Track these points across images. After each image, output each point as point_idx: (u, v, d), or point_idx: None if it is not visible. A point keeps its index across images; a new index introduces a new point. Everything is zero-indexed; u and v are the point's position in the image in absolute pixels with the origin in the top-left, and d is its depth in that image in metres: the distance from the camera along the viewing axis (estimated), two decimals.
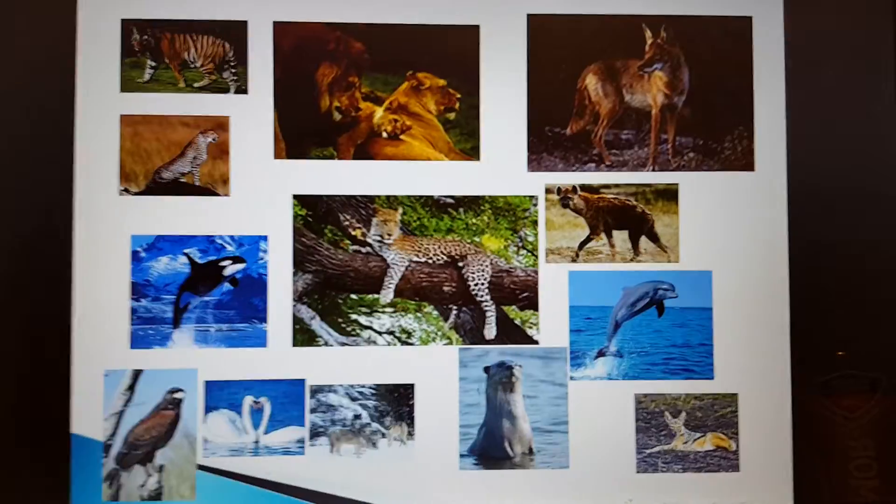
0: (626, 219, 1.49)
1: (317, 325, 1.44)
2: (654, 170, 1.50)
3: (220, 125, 1.46)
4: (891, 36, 1.53)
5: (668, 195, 1.50)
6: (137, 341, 1.43)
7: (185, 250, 1.45)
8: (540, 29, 1.50)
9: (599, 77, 1.52)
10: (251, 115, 1.47)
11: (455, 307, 1.47)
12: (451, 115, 1.49)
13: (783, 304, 1.48)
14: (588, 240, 1.49)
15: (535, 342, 1.47)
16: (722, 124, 1.52)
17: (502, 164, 1.49)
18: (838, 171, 1.51)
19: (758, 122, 1.52)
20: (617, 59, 1.52)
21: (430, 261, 1.47)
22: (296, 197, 1.46)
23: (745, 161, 1.51)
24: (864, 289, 1.50)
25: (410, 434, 1.44)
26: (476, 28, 1.49)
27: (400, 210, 1.47)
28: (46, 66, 1.45)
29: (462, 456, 1.45)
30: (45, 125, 1.44)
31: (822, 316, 1.48)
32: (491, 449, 1.45)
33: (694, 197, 1.50)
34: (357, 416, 1.44)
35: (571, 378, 1.47)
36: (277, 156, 1.46)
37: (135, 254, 1.44)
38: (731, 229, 1.49)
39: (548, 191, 1.48)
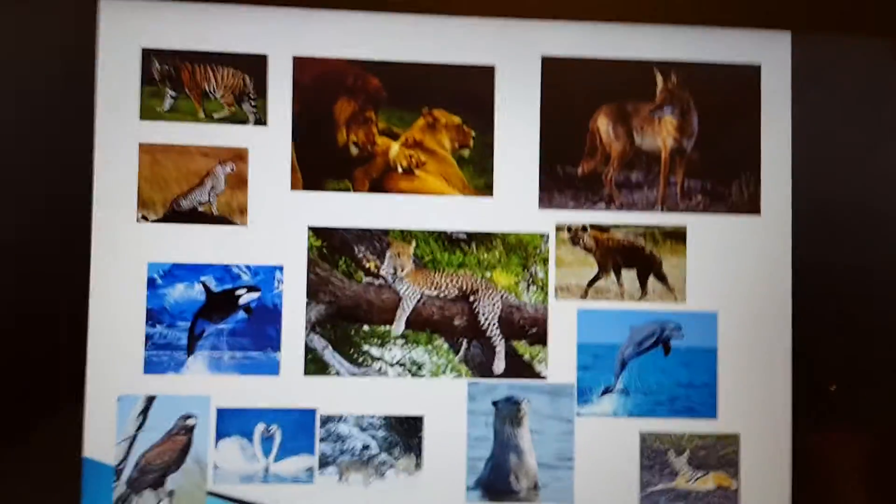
0: (635, 258, 1.56)
1: (329, 354, 1.50)
2: (662, 211, 1.57)
3: (238, 156, 1.52)
4: (895, 82, 1.60)
5: (676, 236, 1.57)
6: (151, 367, 1.48)
7: (202, 278, 1.50)
8: (554, 71, 1.57)
9: (611, 119, 1.59)
10: (269, 146, 1.53)
11: (465, 341, 1.53)
12: (466, 153, 1.56)
13: (786, 346, 1.55)
14: (597, 278, 1.55)
15: (543, 378, 1.53)
16: (729, 169, 1.59)
17: (514, 201, 1.55)
18: (843, 215, 1.58)
19: (764, 167, 1.59)
20: (628, 102, 1.60)
21: (442, 294, 1.53)
22: (311, 228, 1.52)
23: (751, 205, 1.58)
24: (867, 328, 1.57)
25: (418, 465, 1.50)
26: (491, 68, 1.56)
27: (413, 244, 1.53)
28: (66, 93, 1.50)
29: (469, 488, 1.51)
30: (65, 152, 1.49)
31: (825, 356, 1.55)
32: (497, 482, 1.50)
33: (701, 239, 1.57)
34: (366, 447, 1.49)
35: (578, 414, 1.53)
36: (294, 187, 1.52)
37: (151, 280, 1.49)
38: (737, 271, 1.56)
39: (558, 229, 1.55)
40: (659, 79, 1.60)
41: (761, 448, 1.55)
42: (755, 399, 1.55)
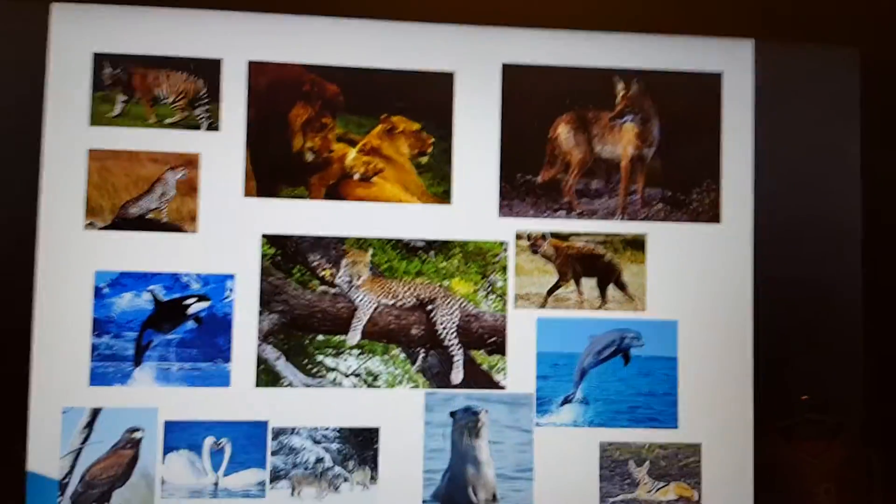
0: (595, 267, 1.62)
1: (282, 365, 1.54)
2: (623, 219, 1.64)
3: (189, 162, 1.56)
4: (856, 92, 1.68)
5: (636, 245, 1.63)
6: (97, 378, 1.51)
7: (150, 287, 1.53)
8: (514, 78, 1.63)
9: (571, 127, 1.65)
10: (222, 152, 1.57)
11: (423, 350, 1.58)
12: (424, 159, 1.61)
13: (747, 354, 1.61)
14: (557, 286, 1.61)
15: (502, 388, 1.58)
16: (690, 177, 1.66)
17: (474, 208, 1.60)
18: (803, 224, 1.65)
19: (725, 176, 1.66)
20: (589, 110, 1.66)
21: (399, 303, 1.58)
22: (265, 236, 1.56)
23: (712, 213, 1.65)
24: (827, 338, 1.63)
25: (374, 478, 1.54)
26: (451, 75, 1.62)
27: (370, 252, 1.58)
28: (15, 97, 1.53)
29: (425, 501, 1.54)
30: (12, 156, 1.51)
31: (785, 365, 1.61)
32: (455, 495, 1.54)
33: (661, 247, 1.63)
34: (320, 460, 1.53)
35: (537, 424, 1.58)
36: (248, 193, 1.56)
37: (98, 289, 1.52)
38: (698, 280, 1.63)
39: (518, 237, 1.61)
40: (619, 86, 1.66)
41: (724, 457, 1.60)
42: (717, 408, 1.61)
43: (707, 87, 1.67)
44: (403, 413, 1.55)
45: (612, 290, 1.60)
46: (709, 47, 1.68)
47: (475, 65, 1.63)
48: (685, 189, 1.64)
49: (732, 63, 1.68)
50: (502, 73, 1.63)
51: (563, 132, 1.64)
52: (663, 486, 1.57)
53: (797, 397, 1.59)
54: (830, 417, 1.60)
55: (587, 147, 1.64)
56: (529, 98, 1.64)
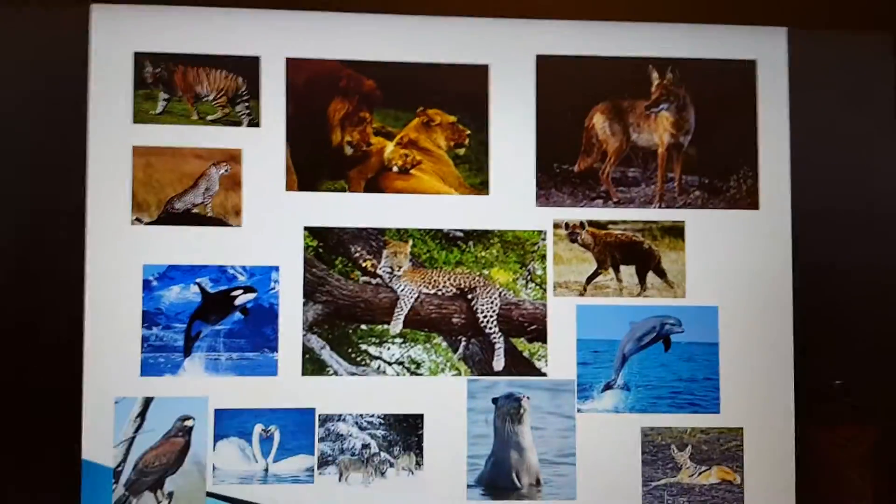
0: (633, 254, 1.68)
1: (327, 354, 1.61)
2: (660, 207, 1.69)
3: (232, 157, 1.63)
4: (891, 75, 1.72)
5: (675, 232, 1.69)
6: (148, 369, 1.58)
7: (197, 280, 1.61)
8: (548, 69, 1.69)
9: (607, 116, 1.71)
10: (263, 148, 1.64)
11: (464, 338, 1.64)
12: (461, 151, 1.67)
13: (787, 339, 1.65)
14: (596, 274, 1.67)
15: (544, 374, 1.64)
16: (727, 164, 1.70)
17: (511, 199, 1.66)
18: (841, 209, 1.68)
19: (762, 162, 1.70)
20: (624, 99, 1.71)
21: (440, 292, 1.65)
22: (307, 228, 1.63)
23: (749, 200, 1.69)
24: (867, 321, 1.67)
25: (419, 464, 1.60)
26: (486, 67, 1.68)
27: (410, 242, 1.65)
28: (59, 98, 1.60)
29: (469, 486, 1.60)
30: (59, 155, 1.59)
31: (825, 350, 1.65)
32: (498, 480, 1.60)
33: (700, 234, 1.68)
34: (366, 446, 1.60)
35: (579, 410, 1.63)
36: (289, 188, 1.63)
37: (146, 283, 1.60)
38: (737, 266, 1.67)
39: (556, 226, 1.67)
40: (654, 75, 1.72)
41: (765, 442, 1.64)
42: (758, 393, 1.65)
43: (741, 75, 1.72)
44: (446, 400, 1.61)
45: (651, 277, 1.66)
46: (742, 35, 1.72)
47: (509, 57, 1.68)
48: (722, 176, 1.69)
49: (766, 51, 1.72)
50: (536, 64, 1.67)
51: (599, 121, 1.69)
52: (706, 470, 1.62)
53: (840, 383, 1.63)
54: (867, 403, 1.64)
55: (623, 136, 1.70)
56: (564, 89, 1.69)
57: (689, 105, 1.69)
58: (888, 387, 1.64)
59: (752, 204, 1.67)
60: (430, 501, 1.58)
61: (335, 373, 1.58)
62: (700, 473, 1.60)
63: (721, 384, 1.63)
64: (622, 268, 1.64)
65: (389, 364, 1.59)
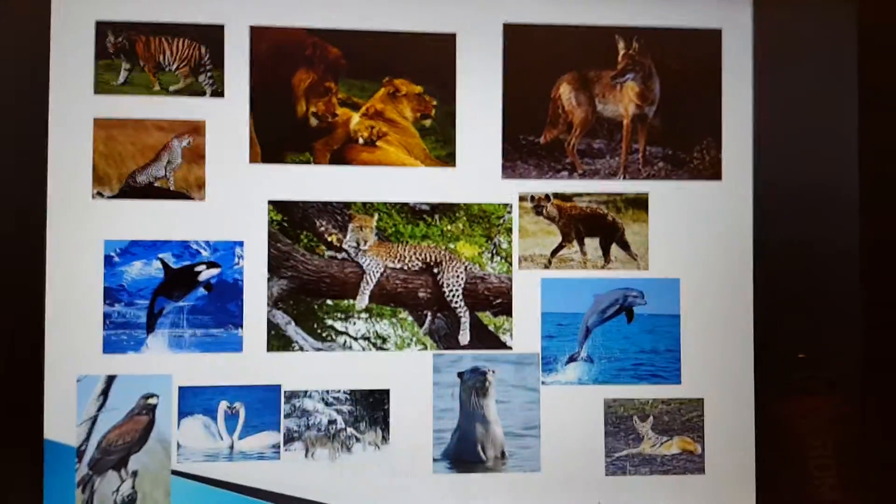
0: (598, 227, 1.66)
1: (292, 330, 1.58)
2: (624, 178, 1.67)
3: (195, 129, 1.59)
4: (854, 48, 1.71)
5: (639, 204, 1.67)
6: (111, 346, 1.55)
7: (160, 255, 1.57)
8: (516, 38, 1.65)
9: (573, 87, 1.68)
10: (227, 119, 1.59)
11: (430, 313, 1.62)
12: (427, 122, 1.64)
13: (748, 311, 1.67)
14: (560, 247, 1.65)
15: (509, 348, 1.63)
16: (691, 134, 1.69)
17: (477, 171, 1.64)
18: (803, 181, 1.69)
19: (725, 133, 1.69)
20: (590, 69, 1.69)
21: (406, 267, 1.62)
22: (271, 202, 1.59)
23: (712, 171, 1.68)
24: (826, 294, 1.69)
25: (385, 439, 1.59)
26: (453, 36, 1.64)
27: (375, 216, 1.61)
28: (19, 68, 1.55)
29: (436, 460, 1.61)
30: (18, 127, 1.54)
31: (785, 321, 1.66)
32: (464, 453, 1.61)
33: (663, 206, 1.67)
34: (332, 422, 1.58)
35: (543, 383, 1.63)
36: (253, 160, 1.59)
37: (108, 258, 1.55)
38: (699, 237, 1.67)
39: (521, 198, 1.64)
40: (620, 45, 1.69)
41: (725, 412, 1.66)
42: (718, 364, 1.67)
43: (707, 45, 1.70)
44: (412, 374, 1.61)
45: (615, 249, 1.65)
46: (708, 4, 1.71)
47: (476, 25, 1.65)
48: (686, 147, 1.67)
49: (731, 20, 1.71)
50: (503, 33, 1.63)
51: (566, 92, 1.66)
52: (667, 441, 1.63)
53: (796, 353, 1.64)
54: (827, 374, 1.65)
55: (589, 107, 1.67)
56: (531, 58, 1.66)
57: (655, 75, 1.67)
58: (847, 358, 1.63)
59: (715, 175, 1.66)
60: (396, 476, 1.59)
61: (301, 349, 1.56)
62: (662, 444, 1.62)
63: (682, 355, 1.62)
64: (586, 240, 1.63)
65: (355, 339, 1.57)
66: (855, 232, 1.67)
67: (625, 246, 1.65)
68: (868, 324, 1.65)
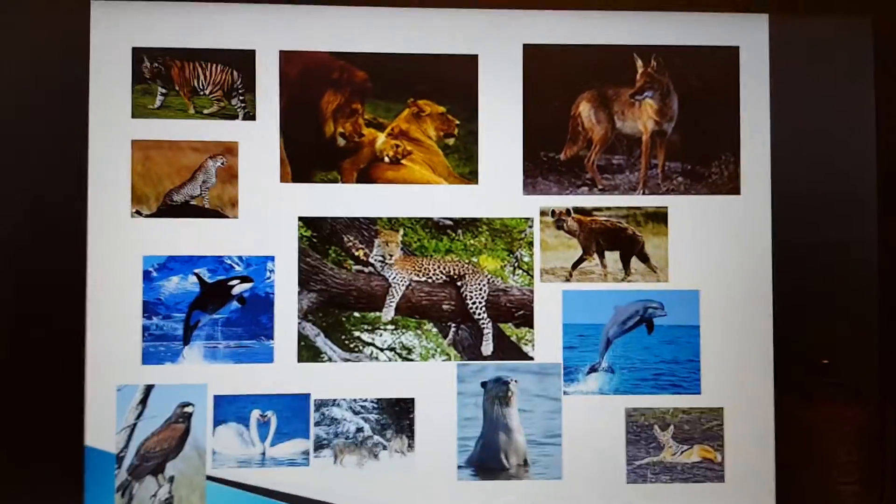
0: (618, 240, 1.68)
1: (321, 341, 1.62)
2: (644, 193, 1.69)
3: (228, 150, 1.63)
4: (871, 64, 1.71)
5: (658, 218, 1.68)
6: (149, 357, 1.60)
7: (195, 270, 1.61)
8: (535, 59, 1.68)
9: (592, 104, 1.70)
10: (258, 140, 1.65)
11: (454, 325, 1.65)
12: (451, 141, 1.67)
13: (767, 321, 1.67)
14: (581, 260, 1.67)
15: (531, 358, 1.65)
16: (709, 150, 1.71)
17: (499, 187, 1.67)
18: (821, 195, 1.70)
19: (743, 148, 1.70)
20: (609, 87, 1.71)
21: (430, 280, 1.65)
22: (301, 219, 1.63)
23: (731, 185, 1.69)
24: (846, 305, 1.69)
25: (410, 446, 1.62)
26: (475, 57, 1.67)
27: (401, 231, 1.65)
28: (60, 93, 1.62)
29: (460, 467, 1.63)
30: (60, 149, 1.61)
31: (805, 332, 1.67)
32: (487, 461, 1.62)
33: (682, 219, 1.69)
34: (359, 429, 1.61)
35: (565, 393, 1.65)
36: (283, 179, 1.64)
37: (146, 273, 1.61)
38: (718, 250, 1.68)
39: (542, 213, 1.67)
40: (639, 63, 1.71)
41: (745, 421, 1.67)
42: (738, 373, 1.67)
43: (724, 62, 1.72)
44: (437, 384, 1.64)
45: (635, 262, 1.67)
46: (725, 22, 1.73)
47: (497, 47, 1.69)
48: (704, 162, 1.68)
49: (748, 37, 1.72)
50: (523, 53, 1.66)
51: (585, 109, 1.68)
52: (687, 449, 1.64)
53: (816, 362, 1.63)
54: (850, 381, 1.64)
55: (608, 124, 1.69)
56: (551, 77, 1.70)
57: (673, 92, 1.68)
58: (867, 365, 1.63)
59: (734, 189, 1.66)
60: (421, 482, 1.60)
61: (329, 359, 1.59)
62: (682, 452, 1.62)
63: (702, 366, 1.62)
64: (607, 253, 1.65)
65: (382, 350, 1.59)
66: (874, 242, 1.67)
67: (645, 259, 1.67)
68: (887, 331, 1.63)
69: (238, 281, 1.62)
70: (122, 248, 1.61)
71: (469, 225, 1.66)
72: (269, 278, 1.63)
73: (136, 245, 1.62)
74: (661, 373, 1.66)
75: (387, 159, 1.67)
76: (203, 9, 1.65)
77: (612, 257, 1.68)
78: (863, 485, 1.66)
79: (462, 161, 1.67)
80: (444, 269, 1.66)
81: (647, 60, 1.71)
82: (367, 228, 1.65)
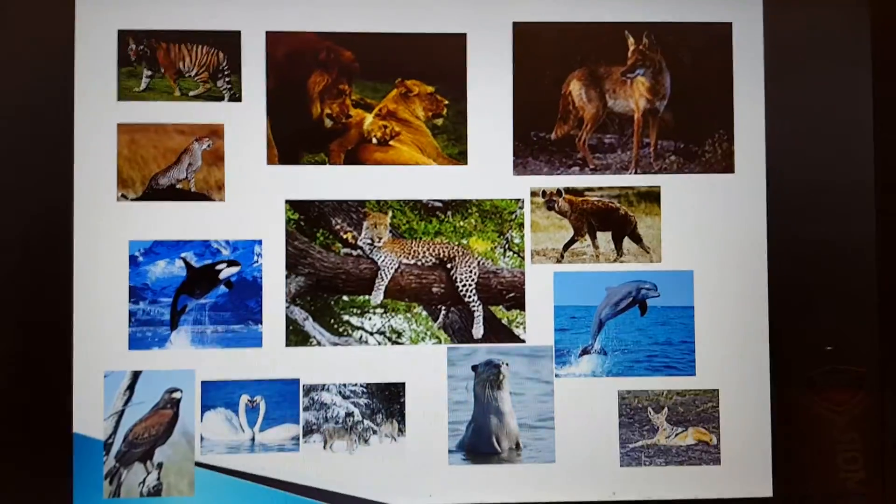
0: (610, 220, 1.64)
1: (309, 325, 1.58)
2: (636, 173, 1.65)
3: (214, 132, 1.60)
4: (867, 40, 1.67)
5: (651, 197, 1.64)
6: (136, 343, 1.57)
7: (182, 254, 1.58)
8: (525, 36, 1.64)
9: (583, 83, 1.66)
10: (245, 122, 1.62)
11: (444, 307, 1.61)
12: (439, 121, 1.63)
13: (762, 302, 1.63)
14: (572, 241, 1.64)
15: (522, 341, 1.61)
16: (702, 128, 1.67)
17: (489, 168, 1.64)
18: (815, 173, 1.66)
19: (737, 126, 1.67)
20: (600, 65, 1.67)
21: (420, 263, 1.62)
22: (288, 202, 1.60)
23: (724, 163, 1.65)
24: (841, 285, 1.66)
25: (401, 431, 1.59)
26: (463, 36, 1.64)
27: (389, 213, 1.61)
28: (45, 76, 1.60)
29: (451, 451, 1.60)
30: (45, 133, 1.58)
31: (800, 312, 1.63)
32: (479, 444, 1.59)
33: (675, 199, 1.65)
34: (349, 414, 1.58)
35: (557, 375, 1.61)
36: (270, 162, 1.61)
37: (132, 258, 1.58)
38: (712, 230, 1.64)
39: (533, 194, 1.63)
40: (630, 41, 1.67)
41: (740, 402, 1.64)
42: (733, 354, 1.64)
43: (717, 38, 1.68)
44: (427, 368, 1.61)
45: (627, 242, 1.63)
46: None
47: (486, 25, 1.65)
48: (698, 140, 1.65)
49: (742, 13, 1.69)
50: (513, 31, 1.63)
51: (576, 88, 1.65)
52: (682, 432, 1.61)
53: (812, 344, 1.60)
54: (854, 367, 1.60)
55: (600, 102, 1.65)
56: (541, 56, 1.67)
57: (665, 70, 1.65)
58: (862, 346, 1.60)
59: (728, 168, 1.63)
60: (412, 467, 1.58)
61: (318, 343, 1.56)
62: (676, 435, 1.59)
63: (697, 347, 1.60)
64: (598, 234, 1.61)
65: (371, 334, 1.57)
66: (870, 221, 1.64)
67: (637, 239, 1.63)
68: (885, 310, 1.59)
69: (225, 265, 1.60)
70: (108, 233, 1.59)
71: (458, 206, 1.63)
72: (256, 262, 1.60)
73: (122, 229, 1.60)
74: (655, 354, 1.63)
75: (375, 140, 1.64)
76: None
77: (604, 238, 1.65)
78: (860, 465, 1.63)
79: (451, 142, 1.64)
80: (434, 251, 1.62)
81: (639, 37, 1.68)
82: (355, 211, 1.62)
